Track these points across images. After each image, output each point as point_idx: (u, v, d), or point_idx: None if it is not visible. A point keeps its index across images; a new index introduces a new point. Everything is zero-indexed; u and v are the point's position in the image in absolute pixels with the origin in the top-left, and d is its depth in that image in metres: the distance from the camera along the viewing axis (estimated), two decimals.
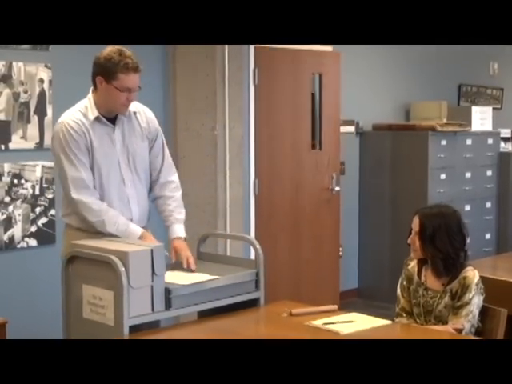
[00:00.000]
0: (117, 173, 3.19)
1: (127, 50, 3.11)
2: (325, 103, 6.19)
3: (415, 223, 3.16)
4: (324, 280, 6.23)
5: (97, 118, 3.14)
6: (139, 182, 3.27)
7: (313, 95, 6.13)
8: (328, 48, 6.14)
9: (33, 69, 4.47)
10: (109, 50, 3.10)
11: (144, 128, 3.27)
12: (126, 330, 2.75)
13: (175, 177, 3.41)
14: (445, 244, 3.08)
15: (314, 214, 6.14)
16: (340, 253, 6.56)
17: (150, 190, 3.38)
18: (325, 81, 6.16)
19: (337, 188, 6.23)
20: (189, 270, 3.15)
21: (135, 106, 3.26)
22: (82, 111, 3.15)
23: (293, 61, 5.93)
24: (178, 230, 3.31)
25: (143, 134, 3.27)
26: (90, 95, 3.19)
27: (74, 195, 3.11)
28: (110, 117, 3.19)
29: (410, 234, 3.18)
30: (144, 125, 3.28)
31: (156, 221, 3.47)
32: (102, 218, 3.10)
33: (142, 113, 3.29)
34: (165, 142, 3.41)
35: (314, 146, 6.14)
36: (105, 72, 3.07)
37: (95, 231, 3.14)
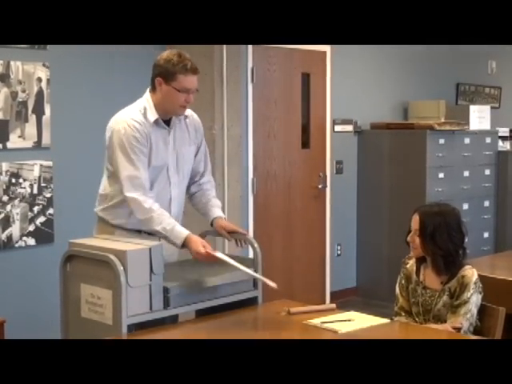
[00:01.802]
0: (164, 174, 3.21)
1: (186, 53, 3.16)
2: (313, 103, 6.21)
3: (415, 221, 3.16)
4: (313, 276, 6.28)
5: (156, 121, 3.16)
6: (182, 184, 3.30)
7: (303, 94, 6.15)
8: (318, 47, 6.15)
9: (31, 68, 4.47)
10: (168, 52, 3.16)
11: (192, 134, 3.32)
12: (125, 329, 2.75)
13: (212, 179, 3.48)
14: (445, 241, 3.09)
15: (305, 212, 6.19)
16: (338, 251, 6.58)
17: (188, 189, 3.42)
18: (312, 80, 6.18)
19: (319, 186, 6.27)
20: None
21: (187, 111, 3.30)
22: (142, 112, 3.15)
23: (285, 60, 5.95)
24: (219, 212, 3.35)
25: (191, 139, 3.31)
26: (148, 96, 3.20)
27: (128, 193, 3.09)
28: (165, 119, 3.21)
29: (409, 232, 3.19)
30: (192, 130, 3.32)
31: None
32: (150, 214, 3.06)
33: (191, 118, 3.34)
34: (207, 147, 3.47)
35: (303, 145, 6.18)
36: (164, 73, 3.11)
37: (130, 229, 3.16)
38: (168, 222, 3.07)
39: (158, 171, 3.18)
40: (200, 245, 3.04)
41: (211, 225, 3.34)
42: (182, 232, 3.07)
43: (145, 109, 3.16)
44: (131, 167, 3.08)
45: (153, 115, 3.15)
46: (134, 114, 3.14)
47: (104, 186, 3.28)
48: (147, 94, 3.21)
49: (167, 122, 3.21)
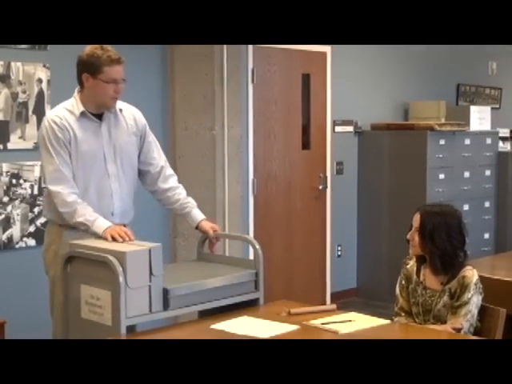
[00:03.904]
0: (101, 166, 3.24)
1: (107, 45, 3.19)
2: (313, 103, 6.20)
3: (416, 219, 3.16)
4: (314, 277, 6.29)
5: (82, 114, 3.21)
6: (124, 177, 3.31)
7: (303, 95, 6.15)
8: (318, 48, 6.14)
9: (31, 69, 4.47)
10: (90, 47, 3.19)
11: (131, 125, 3.34)
12: (124, 330, 2.75)
13: (173, 172, 3.50)
14: (443, 242, 3.08)
15: (305, 213, 6.19)
16: (339, 252, 6.58)
17: (151, 184, 3.44)
18: (313, 81, 6.18)
19: (320, 187, 6.27)
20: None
21: (121, 104, 3.33)
22: (67, 108, 3.24)
23: (285, 61, 5.95)
24: (200, 213, 3.42)
25: (129, 131, 3.33)
26: (76, 94, 3.27)
27: (52, 187, 3.17)
28: (97, 113, 3.25)
29: (411, 230, 3.19)
30: (131, 122, 3.34)
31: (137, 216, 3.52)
32: (74, 207, 3.12)
33: (127, 110, 3.37)
34: (155, 138, 3.48)
35: (304, 146, 6.18)
36: (90, 68, 3.16)
37: (73, 226, 3.18)
38: (91, 213, 3.12)
39: (93, 161, 3.21)
40: (119, 229, 3.06)
41: (196, 227, 3.41)
42: (106, 223, 3.11)
43: (72, 105, 3.23)
44: (53, 161, 3.15)
45: (78, 109, 3.21)
46: (58, 111, 3.23)
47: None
48: (75, 94, 3.27)
49: (99, 117, 3.25)
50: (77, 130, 3.19)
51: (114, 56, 3.15)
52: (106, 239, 3.03)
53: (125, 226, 3.30)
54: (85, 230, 3.12)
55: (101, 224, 3.09)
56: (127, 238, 3.00)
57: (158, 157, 3.44)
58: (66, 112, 3.21)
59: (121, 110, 3.31)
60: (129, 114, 3.35)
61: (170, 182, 3.44)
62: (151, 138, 3.43)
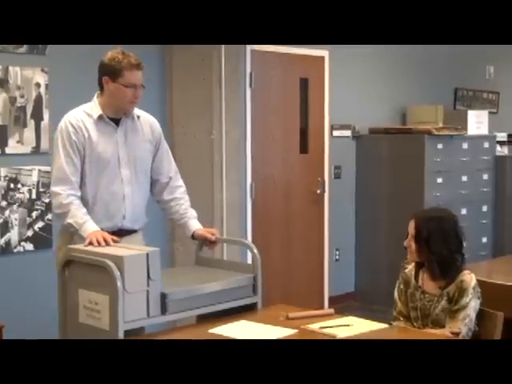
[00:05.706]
0: (115, 169, 3.28)
1: (129, 51, 3.25)
2: (311, 107, 6.21)
3: (411, 226, 3.16)
4: (312, 281, 6.29)
5: (100, 117, 3.26)
6: (137, 182, 3.35)
7: (301, 99, 6.16)
8: (316, 52, 6.15)
9: (29, 73, 4.47)
10: (111, 51, 3.25)
11: (147, 132, 3.39)
12: (121, 335, 2.75)
13: (182, 182, 3.53)
14: (440, 247, 3.08)
15: (303, 217, 6.19)
16: (337, 256, 6.58)
17: (158, 194, 3.48)
18: (311, 85, 6.18)
19: (318, 191, 6.27)
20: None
21: (139, 112, 3.39)
22: (85, 111, 3.30)
23: (283, 65, 5.96)
24: (197, 224, 3.44)
25: (145, 138, 3.38)
26: (95, 98, 3.32)
27: (53, 187, 3.22)
28: (115, 118, 3.30)
29: (407, 237, 3.19)
30: (147, 129, 3.39)
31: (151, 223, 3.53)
32: (67, 208, 3.15)
33: (144, 118, 3.42)
34: (168, 148, 3.53)
35: (302, 150, 6.18)
36: (111, 72, 3.21)
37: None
38: (82, 216, 3.15)
39: (108, 164, 3.25)
40: (100, 235, 3.06)
41: (192, 236, 3.43)
42: (93, 227, 3.12)
43: (90, 108, 3.29)
44: (60, 161, 3.20)
45: (96, 112, 3.26)
46: (76, 113, 3.29)
47: None
48: (94, 97, 3.32)
49: (117, 122, 3.29)
50: (93, 132, 3.24)
51: (135, 61, 3.21)
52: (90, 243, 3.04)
53: (135, 231, 3.36)
54: (74, 232, 3.15)
55: (88, 228, 3.11)
56: (103, 244, 3.01)
57: (168, 167, 3.47)
58: (83, 114, 3.27)
59: (138, 117, 3.36)
60: (145, 121, 3.40)
61: (176, 192, 3.47)
62: (165, 147, 3.48)
